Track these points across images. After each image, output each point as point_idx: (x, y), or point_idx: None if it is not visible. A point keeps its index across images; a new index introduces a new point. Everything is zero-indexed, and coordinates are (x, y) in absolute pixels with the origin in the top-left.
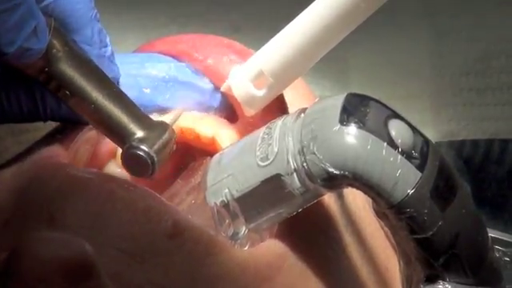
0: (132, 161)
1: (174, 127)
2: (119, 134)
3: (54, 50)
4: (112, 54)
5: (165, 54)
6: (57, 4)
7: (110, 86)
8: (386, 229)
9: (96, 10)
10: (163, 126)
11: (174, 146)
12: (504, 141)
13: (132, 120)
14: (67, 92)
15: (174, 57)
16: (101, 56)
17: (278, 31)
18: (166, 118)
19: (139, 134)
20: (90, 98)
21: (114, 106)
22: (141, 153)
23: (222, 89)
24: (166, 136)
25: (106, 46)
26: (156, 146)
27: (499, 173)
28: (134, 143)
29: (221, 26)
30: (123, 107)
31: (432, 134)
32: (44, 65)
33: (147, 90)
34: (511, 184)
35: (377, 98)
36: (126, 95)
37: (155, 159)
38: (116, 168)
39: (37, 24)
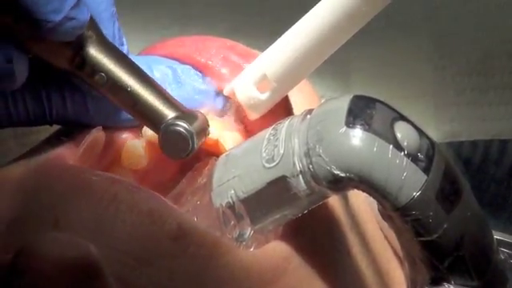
0: (170, 140)
1: None
2: (155, 118)
3: (89, 32)
4: (128, 52)
5: (168, 57)
6: None
7: (143, 72)
8: (386, 231)
9: (115, 8)
10: (196, 112)
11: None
12: (503, 141)
13: (167, 104)
14: (103, 74)
15: (177, 60)
16: None
17: (279, 33)
18: None
19: (175, 115)
20: (127, 82)
21: (149, 90)
22: (180, 129)
23: (225, 92)
24: (200, 120)
25: (123, 45)
26: (194, 125)
27: (498, 173)
28: (171, 121)
29: (222, 28)
30: (157, 92)
31: (434, 134)
32: (74, 52)
33: None
34: (510, 184)
35: (379, 98)
36: (156, 81)
37: (194, 136)
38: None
39: None
